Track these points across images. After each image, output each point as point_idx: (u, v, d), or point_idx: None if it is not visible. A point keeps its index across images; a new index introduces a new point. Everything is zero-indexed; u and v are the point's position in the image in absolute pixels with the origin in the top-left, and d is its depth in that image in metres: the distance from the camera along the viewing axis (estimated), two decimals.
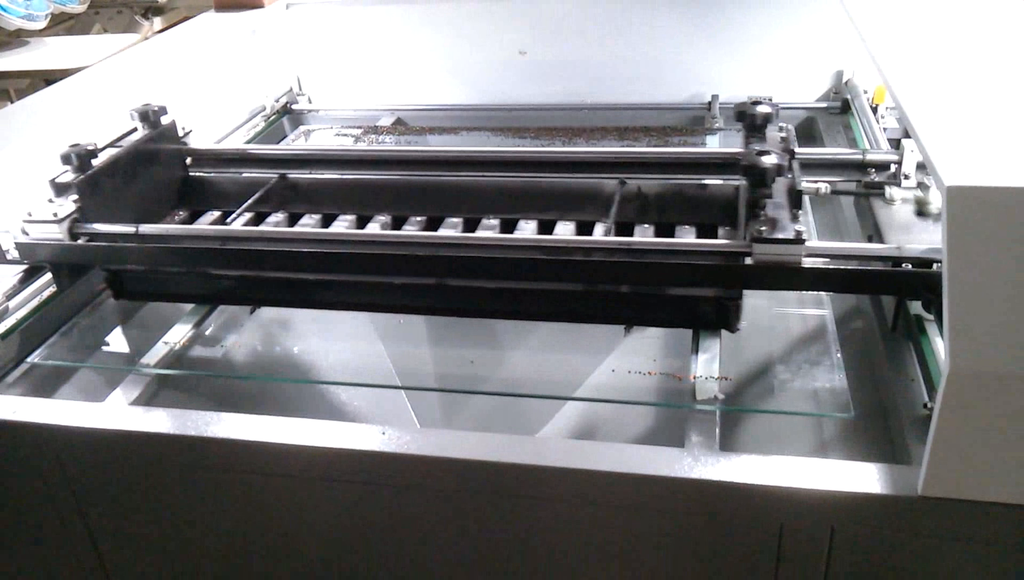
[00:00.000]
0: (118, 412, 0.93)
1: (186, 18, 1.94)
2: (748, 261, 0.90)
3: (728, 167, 1.11)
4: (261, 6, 1.68)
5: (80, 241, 1.05)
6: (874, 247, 0.95)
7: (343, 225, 1.18)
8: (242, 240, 1.06)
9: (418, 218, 1.18)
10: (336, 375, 1.10)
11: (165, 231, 1.10)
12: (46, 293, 1.09)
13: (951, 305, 0.67)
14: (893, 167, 1.13)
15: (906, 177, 1.08)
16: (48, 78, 2.36)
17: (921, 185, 1.06)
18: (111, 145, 1.15)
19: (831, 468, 0.77)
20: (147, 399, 0.99)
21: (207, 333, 1.11)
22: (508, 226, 1.15)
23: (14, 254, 1.06)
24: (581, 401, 1.03)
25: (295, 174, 1.24)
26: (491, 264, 0.97)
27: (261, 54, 1.69)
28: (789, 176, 0.98)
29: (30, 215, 1.05)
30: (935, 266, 0.87)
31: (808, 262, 0.89)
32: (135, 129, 1.21)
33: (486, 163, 1.21)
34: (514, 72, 1.69)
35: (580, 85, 1.67)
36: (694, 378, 0.92)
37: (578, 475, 0.80)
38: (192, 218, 1.22)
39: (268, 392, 1.06)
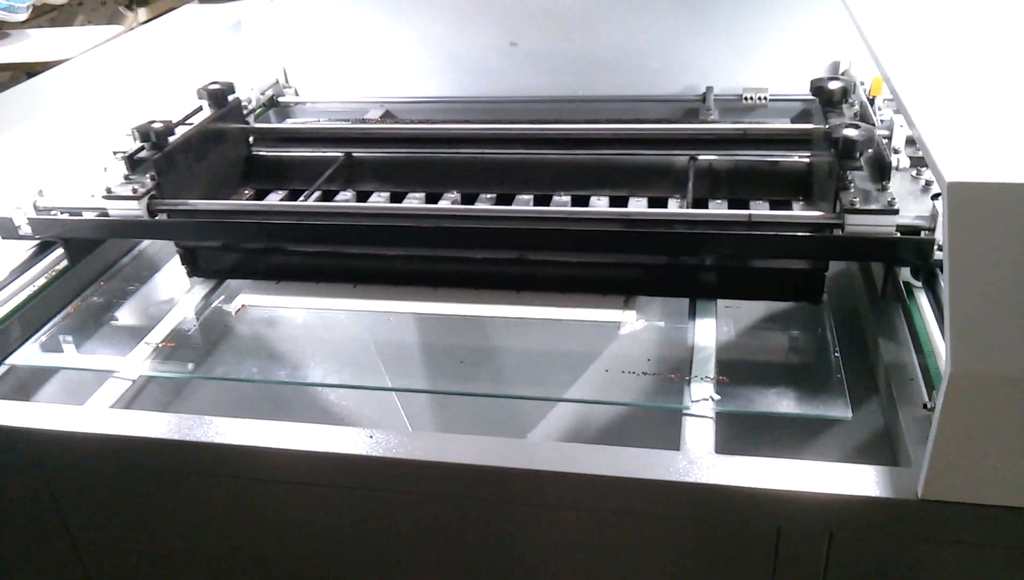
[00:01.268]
0: (98, 415, 0.91)
1: (170, 8, 1.90)
2: (837, 232, 0.93)
3: (798, 143, 1.15)
4: None
5: (158, 217, 1.08)
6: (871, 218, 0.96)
7: (415, 202, 1.22)
8: (320, 215, 1.10)
9: (489, 195, 1.22)
10: (324, 377, 1.08)
11: (242, 207, 1.15)
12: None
13: (952, 305, 0.66)
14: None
15: (896, 152, 1.10)
16: (30, 71, 2.33)
17: (912, 159, 1.09)
18: (181, 123, 1.19)
19: (829, 471, 0.76)
20: (128, 401, 0.97)
21: (190, 333, 1.09)
22: (581, 202, 1.18)
23: (26, 230, 1.08)
24: (574, 402, 1.01)
25: (360, 152, 1.29)
26: (570, 237, 1.00)
27: (246, 46, 1.67)
28: (871, 150, 1.00)
29: (109, 191, 1.07)
30: (923, 233, 0.90)
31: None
32: (200, 108, 1.24)
33: (557, 141, 1.25)
34: (505, 63, 1.67)
35: (572, 76, 1.65)
36: (689, 378, 0.90)
37: (571, 479, 0.78)
38: (258, 196, 1.27)
39: (253, 394, 1.04)
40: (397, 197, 1.23)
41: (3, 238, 1.09)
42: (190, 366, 1.05)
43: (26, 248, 1.12)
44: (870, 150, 0.99)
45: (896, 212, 0.91)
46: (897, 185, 1.03)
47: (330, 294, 1.13)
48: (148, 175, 1.09)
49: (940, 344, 0.85)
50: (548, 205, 1.17)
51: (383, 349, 1.14)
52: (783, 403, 0.88)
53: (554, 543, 0.86)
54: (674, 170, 1.17)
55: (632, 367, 0.97)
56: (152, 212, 1.07)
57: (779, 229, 0.96)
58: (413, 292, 1.11)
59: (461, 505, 0.86)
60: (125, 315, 1.16)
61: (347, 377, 1.08)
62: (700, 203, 1.13)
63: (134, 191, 1.07)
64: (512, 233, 1.01)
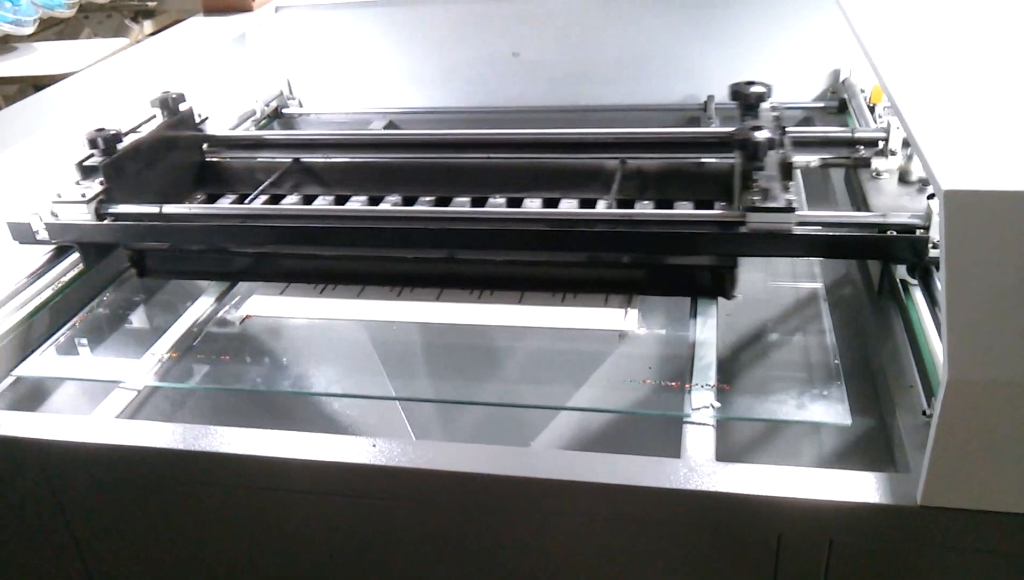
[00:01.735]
0: (104, 425, 0.92)
1: (176, 21, 1.92)
2: (743, 230, 0.96)
3: (724, 146, 1.17)
4: (250, 9, 1.66)
5: (106, 221, 1.11)
6: (861, 215, 1.02)
7: (356, 205, 1.25)
8: (261, 218, 1.13)
9: (428, 198, 1.25)
10: (328, 386, 1.08)
11: (188, 210, 1.17)
12: (71, 273, 1.16)
13: (950, 311, 0.66)
14: (880, 144, 1.18)
15: (892, 153, 1.13)
16: (37, 84, 2.34)
17: (907, 159, 1.12)
18: (132, 131, 1.21)
19: (829, 478, 0.76)
20: (134, 411, 0.98)
21: (195, 343, 1.10)
22: (515, 204, 1.21)
23: (44, 235, 1.12)
24: (575, 411, 1.01)
25: (308, 158, 1.31)
26: (500, 236, 1.03)
27: (251, 58, 1.68)
28: (781, 151, 1.04)
29: (59, 196, 1.11)
30: (918, 232, 0.92)
31: (799, 230, 0.96)
32: (154, 116, 1.27)
33: (492, 145, 1.28)
34: (507, 74, 1.68)
35: (574, 86, 1.66)
36: (689, 386, 0.91)
37: (572, 487, 0.79)
38: (210, 201, 1.29)
39: (257, 404, 1.05)
40: (342, 200, 1.27)
41: (21, 243, 1.13)
42: (195, 376, 1.05)
43: (43, 252, 1.16)
44: (773, 151, 1.03)
45: (793, 210, 0.95)
46: (894, 185, 1.05)
47: (335, 304, 1.13)
48: (97, 180, 1.13)
49: (937, 346, 0.86)
50: (485, 206, 1.21)
51: (386, 357, 1.15)
52: (783, 410, 0.88)
53: (556, 551, 0.86)
54: (603, 172, 1.22)
55: (633, 374, 0.97)
56: (100, 216, 1.11)
57: (683, 227, 1.01)
58: (417, 301, 1.12)
59: (464, 513, 0.87)
60: (130, 326, 1.17)
61: (350, 386, 1.08)
62: (627, 204, 1.18)
63: (83, 196, 1.10)
64: (440, 233, 1.06)
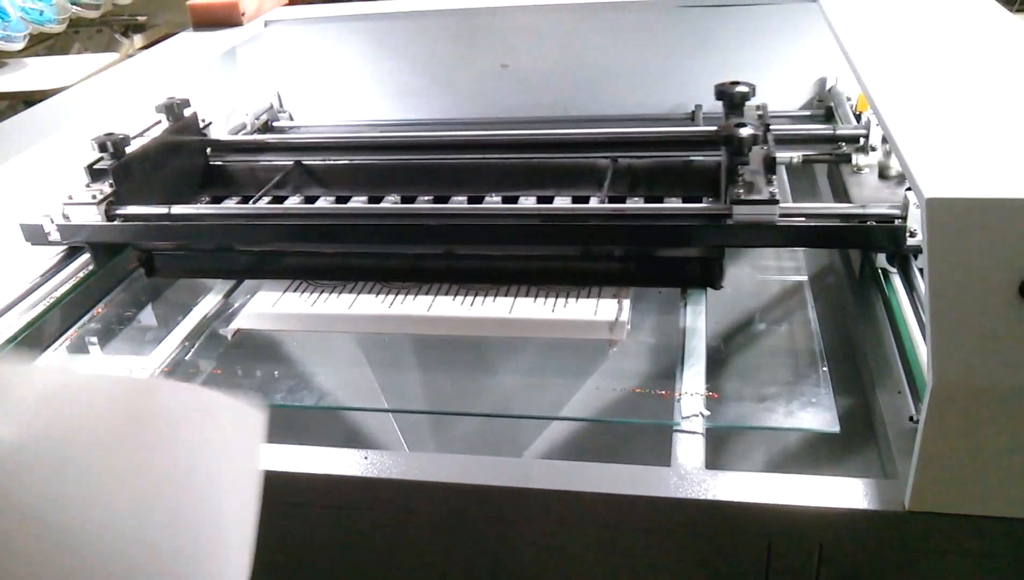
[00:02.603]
0: None
1: (166, 35, 1.93)
2: (729, 222, 1.00)
3: (711, 144, 1.21)
4: (240, 24, 1.67)
5: (115, 222, 1.14)
6: (841, 206, 1.05)
7: (357, 204, 1.30)
8: (268, 217, 1.18)
9: (426, 197, 1.29)
10: (320, 398, 1.08)
11: (196, 210, 1.20)
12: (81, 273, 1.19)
13: (933, 318, 0.67)
14: (861, 140, 1.22)
15: (872, 149, 1.18)
16: (28, 99, 2.35)
17: (885, 154, 1.16)
18: (139, 136, 1.25)
19: (818, 484, 0.77)
20: None
21: (187, 358, 1.10)
22: (510, 202, 1.25)
23: (56, 237, 1.15)
24: (566, 420, 1.02)
25: (309, 160, 1.35)
26: (498, 230, 1.08)
27: (241, 72, 1.68)
28: (764, 146, 1.08)
29: (70, 198, 1.14)
30: (896, 222, 0.97)
31: (782, 221, 1.00)
32: (159, 121, 1.30)
33: (488, 146, 1.32)
34: (496, 85, 1.69)
35: (562, 97, 1.67)
36: (679, 395, 0.91)
37: (563, 496, 0.79)
38: (215, 203, 1.33)
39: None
40: (344, 201, 1.31)
41: (33, 244, 1.16)
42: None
43: (55, 253, 1.20)
44: (757, 147, 1.06)
45: (777, 202, 0.99)
46: (874, 179, 1.10)
47: (326, 317, 1.14)
48: (107, 182, 1.16)
49: (918, 337, 0.87)
50: (482, 203, 1.25)
51: (378, 369, 1.15)
52: (772, 418, 0.89)
53: (549, 560, 0.86)
54: (596, 170, 1.26)
55: (622, 384, 0.98)
56: (109, 217, 1.14)
57: (672, 220, 1.04)
58: (408, 313, 1.12)
59: (457, 525, 0.87)
60: (120, 343, 1.18)
61: (341, 398, 1.09)
62: (619, 201, 1.21)
63: (93, 197, 1.13)
64: (438, 229, 1.10)
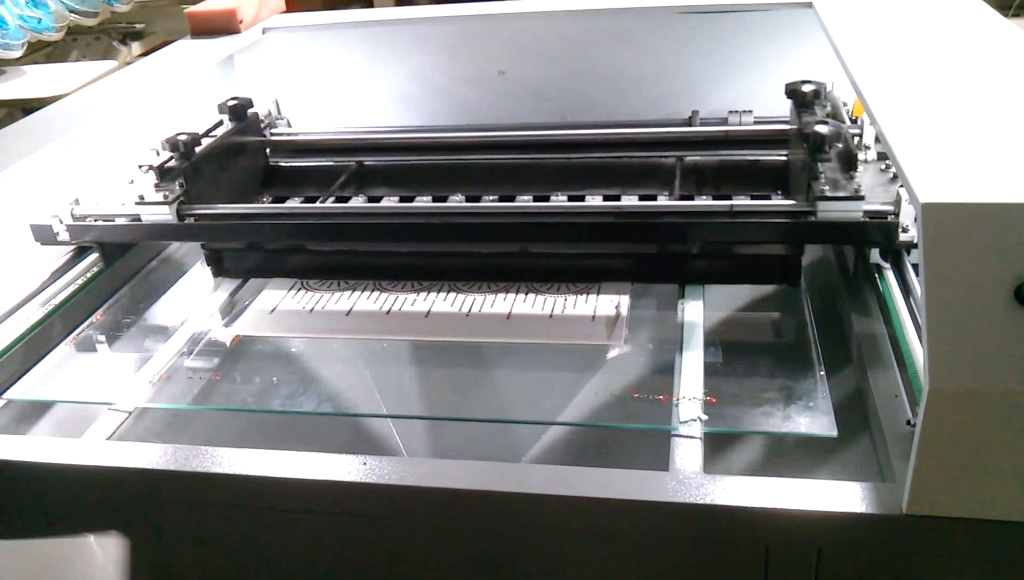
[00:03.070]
0: (95, 448, 0.92)
1: (164, 43, 1.93)
2: (812, 219, 1.01)
3: (777, 142, 1.25)
4: (238, 31, 1.67)
5: (187, 221, 1.16)
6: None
7: (423, 203, 1.31)
8: (341, 215, 1.19)
9: (493, 197, 1.30)
10: (319, 405, 1.09)
11: (270, 210, 1.24)
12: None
13: (929, 322, 0.67)
14: (855, 139, 1.23)
15: (866, 148, 1.19)
16: (26, 107, 2.35)
17: (878, 153, 1.18)
18: (205, 135, 1.28)
19: (816, 488, 0.77)
20: (124, 433, 0.98)
21: (186, 364, 1.10)
22: (577, 201, 1.25)
23: (65, 236, 1.17)
24: (564, 425, 1.02)
25: (370, 160, 1.39)
26: (574, 229, 1.09)
27: (239, 79, 1.69)
28: (841, 145, 1.10)
29: (141, 198, 1.16)
30: (889, 218, 0.98)
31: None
32: (221, 122, 1.34)
33: (551, 145, 1.36)
34: (493, 92, 1.69)
35: (559, 103, 1.67)
36: (677, 399, 0.91)
37: (562, 501, 0.79)
38: (277, 202, 1.37)
39: (248, 424, 1.05)
40: (407, 200, 1.33)
41: (42, 244, 1.18)
42: (186, 397, 1.06)
43: (63, 253, 1.22)
44: (839, 144, 1.08)
45: (862, 198, 0.99)
46: (868, 176, 1.10)
47: (325, 324, 1.14)
48: (177, 182, 1.18)
49: (913, 335, 0.88)
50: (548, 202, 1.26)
51: (377, 375, 1.15)
52: (770, 422, 0.89)
53: (547, 565, 0.87)
54: (662, 168, 1.28)
55: (620, 389, 0.98)
56: (181, 216, 1.16)
57: (758, 217, 1.04)
58: (406, 320, 1.13)
59: (455, 530, 0.87)
60: (122, 347, 1.18)
61: (340, 404, 1.09)
62: (688, 198, 1.22)
63: (165, 197, 1.15)
64: (516, 227, 1.11)
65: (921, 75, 0.95)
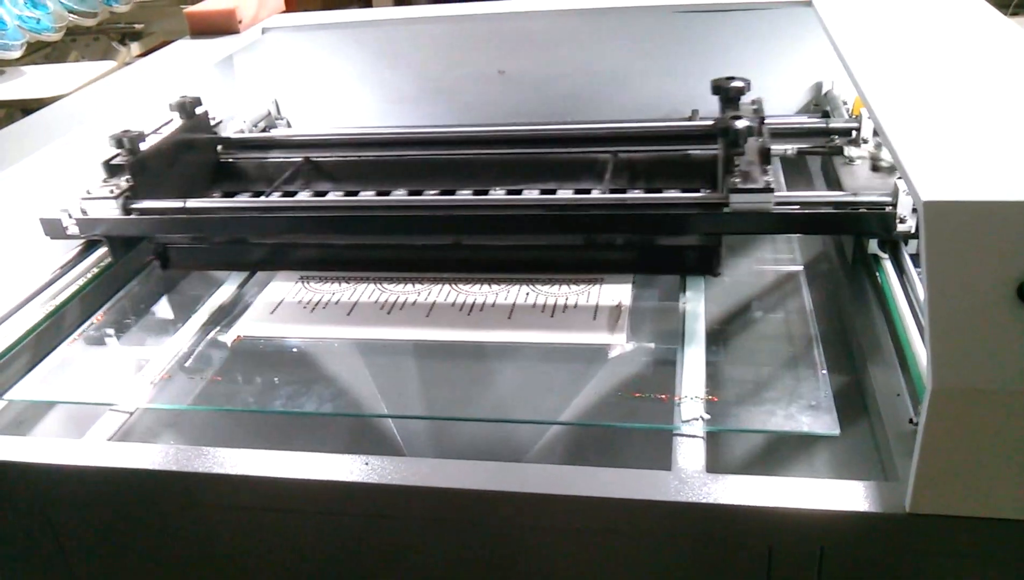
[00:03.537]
0: (97, 449, 0.92)
1: (163, 43, 1.93)
2: (726, 210, 1.04)
3: (709, 138, 1.26)
4: (237, 31, 1.67)
5: (133, 215, 1.17)
6: (834, 194, 1.11)
7: (367, 197, 1.35)
8: (281, 209, 1.21)
9: (432, 191, 1.34)
10: (320, 405, 1.08)
11: (211, 204, 1.25)
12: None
13: (932, 321, 0.67)
14: (853, 133, 1.28)
15: (864, 141, 1.23)
16: (25, 107, 2.35)
17: (876, 146, 1.22)
18: (153, 133, 1.29)
19: (819, 487, 0.77)
20: (125, 434, 0.98)
21: (187, 365, 1.10)
22: (515, 194, 1.30)
23: (74, 230, 1.17)
24: (565, 425, 1.02)
25: (317, 156, 1.40)
26: (506, 221, 1.12)
27: (238, 79, 1.69)
28: (759, 139, 1.12)
29: (88, 193, 1.17)
30: (887, 209, 1.00)
31: (777, 208, 1.03)
32: (171, 120, 1.34)
33: (491, 141, 1.39)
34: (493, 91, 1.69)
35: (559, 103, 1.67)
36: (679, 398, 0.91)
37: (565, 501, 0.79)
38: (227, 198, 1.37)
39: (248, 424, 1.05)
40: (352, 196, 1.35)
41: (52, 238, 1.19)
42: (187, 397, 1.06)
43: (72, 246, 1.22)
44: (753, 138, 1.10)
45: (772, 191, 1.02)
46: (866, 170, 1.14)
47: (326, 324, 1.14)
48: (124, 178, 1.20)
49: (912, 328, 0.88)
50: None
51: (378, 376, 1.15)
52: (772, 421, 0.89)
53: (549, 565, 0.87)
54: (597, 163, 1.30)
55: (622, 388, 0.98)
56: (127, 211, 1.17)
57: (672, 209, 1.08)
58: (407, 320, 1.12)
59: (457, 529, 0.87)
60: (134, 334, 1.19)
61: (342, 404, 1.09)
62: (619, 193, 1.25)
63: (111, 192, 1.17)
64: (446, 219, 1.14)
65: (921, 73, 0.95)
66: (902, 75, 0.95)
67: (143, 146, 1.23)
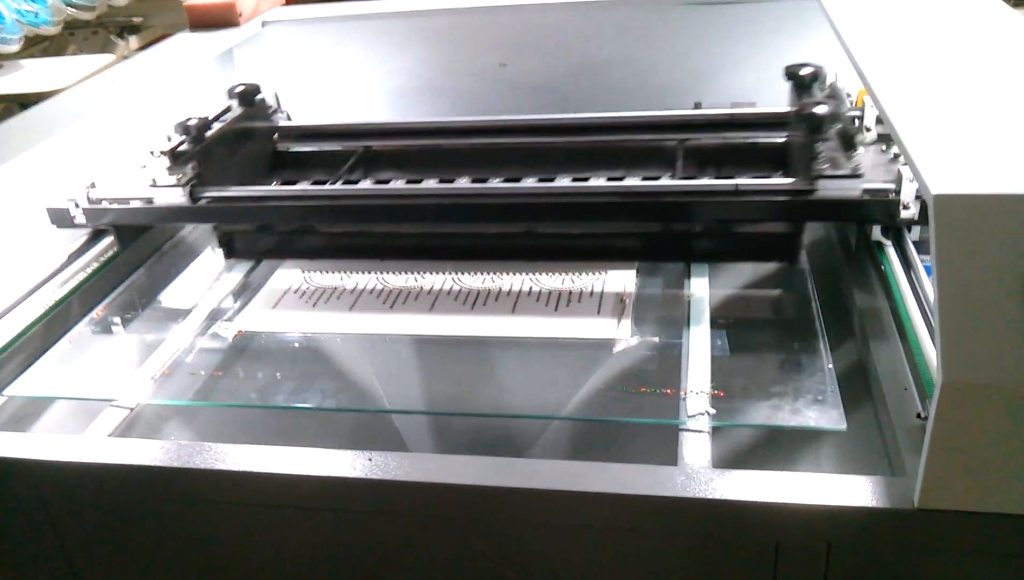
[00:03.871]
0: (98, 445, 0.91)
1: (162, 36, 1.92)
2: (811, 197, 1.03)
3: (776, 126, 1.26)
4: (237, 25, 1.66)
5: (201, 203, 1.18)
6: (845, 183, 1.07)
7: (431, 185, 1.32)
8: (352, 197, 1.20)
9: (498, 179, 1.31)
10: (323, 400, 1.08)
11: (283, 192, 1.24)
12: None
13: (942, 315, 0.66)
14: (856, 121, 1.24)
15: (868, 129, 1.20)
16: (23, 102, 2.34)
17: (880, 135, 1.19)
18: (215, 120, 1.28)
19: (826, 482, 0.76)
20: (126, 429, 0.97)
21: (188, 360, 1.09)
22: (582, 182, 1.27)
23: (81, 220, 1.19)
24: (571, 420, 1.01)
25: (377, 144, 1.39)
26: (582, 209, 1.10)
27: (238, 72, 1.68)
28: (839, 125, 1.11)
29: (154, 182, 1.20)
30: (890, 196, 1.00)
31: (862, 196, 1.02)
32: (229, 108, 1.34)
33: (555, 129, 1.36)
34: (495, 84, 1.68)
35: (561, 95, 1.66)
36: (684, 393, 0.91)
37: (569, 497, 0.79)
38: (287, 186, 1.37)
39: (251, 420, 1.05)
40: (414, 183, 1.33)
41: (59, 227, 1.20)
42: (188, 393, 1.05)
43: (79, 235, 1.24)
44: (837, 124, 1.09)
45: (861, 176, 1.02)
46: (869, 156, 1.11)
47: (328, 318, 1.13)
48: (190, 165, 1.19)
49: (917, 316, 0.88)
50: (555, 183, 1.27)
51: (381, 370, 1.15)
52: (779, 416, 0.88)
53: (554, 561, 0.86)
54: (665, 151, 1.28)
55: (627, 383, 0.98)
56: (194, 198, 1.17)
57: (761, 196, 1.05)
58: (410, 314, 1.12)
59: (461, 525, 0.87)
60: (124, 343, 1.18)
61: (344, 399, 1.08)
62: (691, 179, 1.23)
63: (178, 180, 1.18)
64: (522, 207, 1.14)
65: (928, 65, 0.94)
66: (908, 67, 0.94)
67: (208, 134, 1.23)
